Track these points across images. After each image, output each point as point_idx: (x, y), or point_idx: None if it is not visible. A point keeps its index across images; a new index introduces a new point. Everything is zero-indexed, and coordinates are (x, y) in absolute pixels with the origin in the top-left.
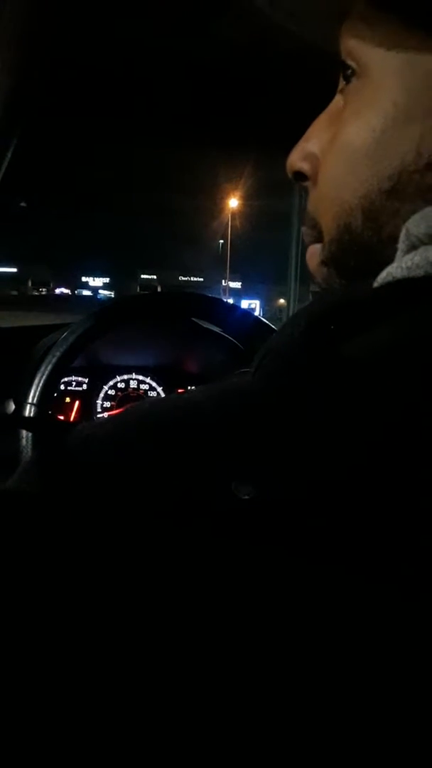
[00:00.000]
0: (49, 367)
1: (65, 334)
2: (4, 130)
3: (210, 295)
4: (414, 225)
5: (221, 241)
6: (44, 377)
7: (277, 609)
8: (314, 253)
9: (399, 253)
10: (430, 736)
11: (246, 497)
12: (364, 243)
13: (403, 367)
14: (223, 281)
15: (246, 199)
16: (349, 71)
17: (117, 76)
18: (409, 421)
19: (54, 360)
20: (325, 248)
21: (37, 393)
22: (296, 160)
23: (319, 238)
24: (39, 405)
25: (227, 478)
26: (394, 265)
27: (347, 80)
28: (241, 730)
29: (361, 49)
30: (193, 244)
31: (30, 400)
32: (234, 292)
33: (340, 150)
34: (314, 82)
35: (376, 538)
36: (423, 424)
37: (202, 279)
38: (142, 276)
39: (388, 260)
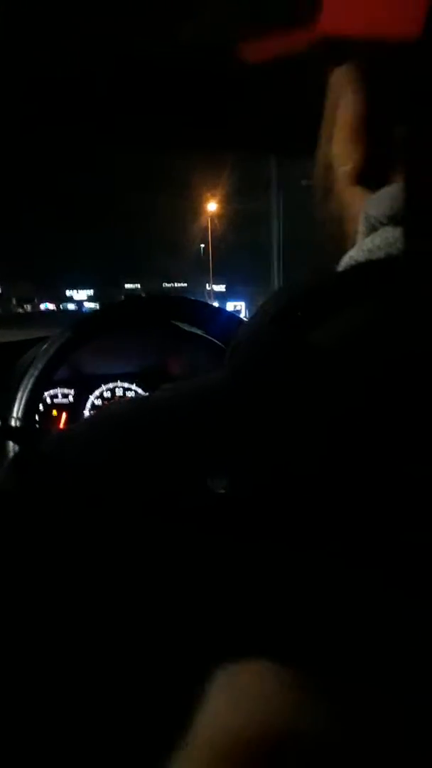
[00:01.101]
0: (32, 381)
1: (45, 346)
2: None
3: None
4: (372, 207)
5: (202, 245)
6: (27, 391)
7: (259, 597)
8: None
9: (359, 236)
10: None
11: (222, 491)
12: None
13: (368, 351)
14: (207, 285)
15: (224, 201)
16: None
17: (86, 83)
18: (375, 406)
19: (36, 373)
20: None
21: (21, 407)
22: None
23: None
24: (24, 419)
25: (201, 473)
26: (356, 248)
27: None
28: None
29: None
30: (174, 251)
31: (15, 415)
32: (219, 296)
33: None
34: (290, 83)
35: (353, 524)
36: (389, 408)
37: (186, 284)
38: (126, 286)
39: None
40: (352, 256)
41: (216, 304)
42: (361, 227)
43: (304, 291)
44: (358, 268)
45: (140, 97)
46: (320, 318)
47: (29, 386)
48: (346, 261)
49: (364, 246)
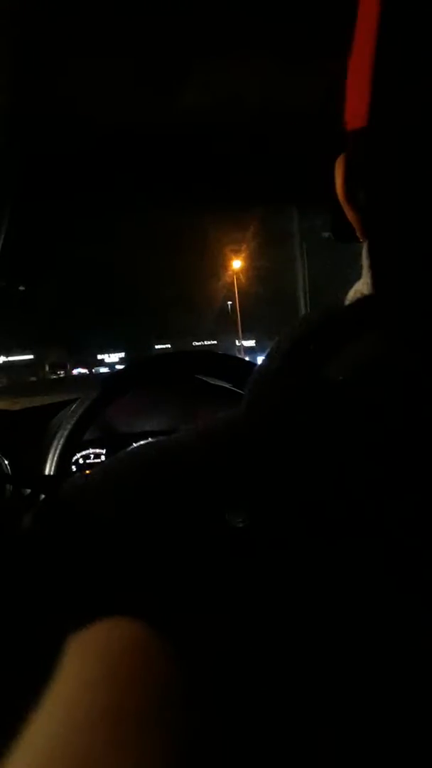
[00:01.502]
0: (62, 441)
1: (74, 407)
2: None
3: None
4: None
5: (229, 302)
6: (58, 451)
7: (282, 620)
8: None
9: (365, 270)
10: None
11: (240, 525)
12: None
13: (382, 384)
14: (237, 341)
15: (248, 257)
16: None
17: (99, 153)
18: (392, 438)
19: (66, 434)
20: None
21: (53, 468)
22: None
23: None
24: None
25: (219, 509)
26: (361, 281)
27: None
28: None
29: None
30: (202, 309)
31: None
32: (249, 351)
33: None
34: (299, 134)
35: (374, 552)
36: (405, 439)
37: (215, 342)
38: (157, 346)
39: None
40: (358, 289)
41: (247, 358)
42: (365, 261)
43: (316, 325)
44: (364, 301)
45: (150, 163)
46: (332, 351)
47: (59, 447)
48: (351, 295)
49: (369, 279)
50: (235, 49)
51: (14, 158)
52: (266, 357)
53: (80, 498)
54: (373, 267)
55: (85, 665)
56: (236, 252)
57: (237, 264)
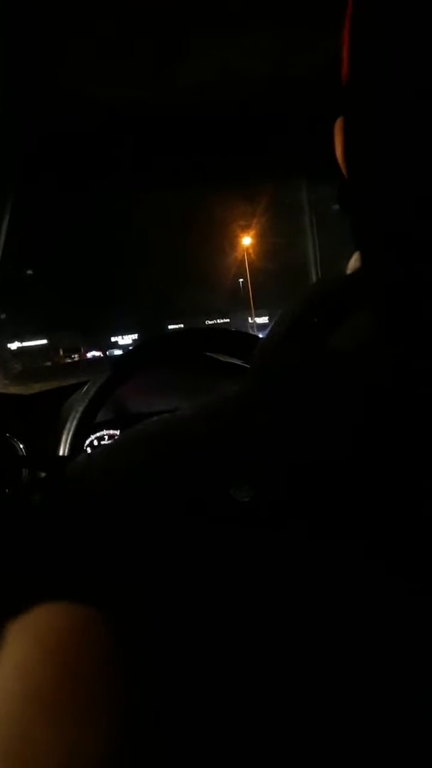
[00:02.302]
0: (75, 423)
1: (86, 388)
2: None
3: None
4: None
5: (240, 280)
6: (71, 433)
7: (280, 599)
8: None
9: None
10: None
11: (246, 499)
12: None
13: (382, 351)
14: (249, 318)
15: (258, 234)
16: None
17: (104, 132)
18: (398, 404)
19: (78, 415)
20: None
21: (67, 450)
22: None
23: None
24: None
25: (223, 484)
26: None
27: None
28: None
29: None
30: (213, 287)
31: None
32: (261, 327)
33: None
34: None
35: (379, 521)
36: (407, 405)
37: (228, 320)
38: (170, 326)
39: None
40: (357, 259)
41: (260, 335)
42: None
43: (317, 296)
44: (358, 273)
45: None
46: (335, 322)
47: (72, 429)
48: (352, 264)
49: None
50: (238, 19)
51: (17, 140)
52: (269, 331)
53: (83, 475)
54: (356, 238)
55: (23, 649)
56: (245, 228)
57: (247, 240)
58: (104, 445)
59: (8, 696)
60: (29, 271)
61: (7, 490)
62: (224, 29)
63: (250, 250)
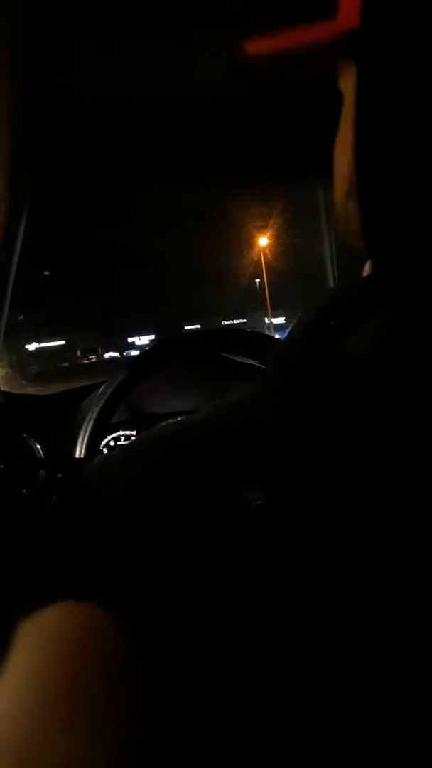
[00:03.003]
0: (91, 423)
1: (102, 389)
2: (17, 197)
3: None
4: None
5: (257, 280)
6: (87, 434)
7: (289, 600)
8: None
9: None
10: None
11: (258, 503)
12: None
13: (401, 354)
14: (266, 319)
15: (274, 234)
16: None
17: (118, 132)
18: (414, 408)
19: (94, 416)
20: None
21: (83, 451)
22: None
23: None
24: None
25: (234, 487)
26: None
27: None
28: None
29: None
30: (230, 288)
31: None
32: (278, 327)
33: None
34: (314, 106)
35: (392, 524)
36: (428, 410)
37: (245, 320)
38: (186, 327)
39: None
40: None
41: (276, 336)
42: None
43: (334, 299)
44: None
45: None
46: (352, 325)
47: (89, 429)
48: (368, 267)
49: None
50: (251, 18)
51: (34, 142)
52: (287, 335)
53: (98, 477)
54: (366, 241)
55: (37, 645)
56: (262, 229)
57: (263, 241)
58: (119, 447)
59: (22, 690)
60: (46, 273)
61: (24, 491)
62: (240, 26)
63: (267, 251)
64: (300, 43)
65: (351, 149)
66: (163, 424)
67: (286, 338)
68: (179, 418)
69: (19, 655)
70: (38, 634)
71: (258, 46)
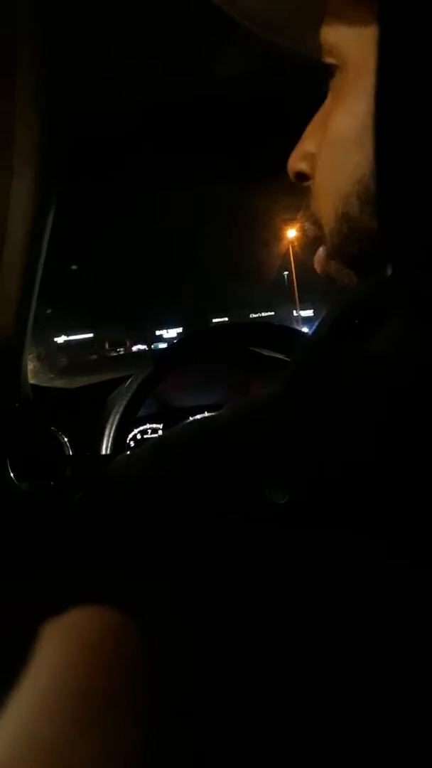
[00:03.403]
0: (117, 417)
1: (128, 382)
2: (45, 191)
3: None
4: None
5: (285, 273)
6: (113, 427)
7: (312, 603)
8: (319, 255)
9: None
10: None
11: (282, 501)
12: (364, 229)
13: (424, 354)
14: (294, 312)
15: (303, 226)
16: (332, 67)
17: (147, 126)
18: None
19: (121, 409)
20: (327, 242)
21: (110, 444)
22: (295, 161)
23: (321, 235)
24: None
25: (258, 486)
26: None
27: (332, 76)
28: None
29: (339, 44)
30: (258, 281)
31: (104, 452)
32: (306, 320)
33: (330, 140)
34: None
35: (419, 526)
36: None
37: (273, 313)
38: (214, 320)
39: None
40: None
41: (305, 329)
42: None
43: (358, 298)
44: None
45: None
46: (376, 324)
47: (115, 422)
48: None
49: None
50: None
51: (60, 138)
52: (312, 332)
53: (122, 476)
54: (386, 243)
55: (59, 647)
56: (290, 221)
57: (292, 233)
58: (142, 446)
59: (44, 693)
60: (74, 267)
61: (52, 483)
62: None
63: (295, 243)
64: None
65: (355, 160)
66: (187, 422)
67: (311, 336)
68: (202, 416)
69: (39, 658)
70: (58, 637)
71: None
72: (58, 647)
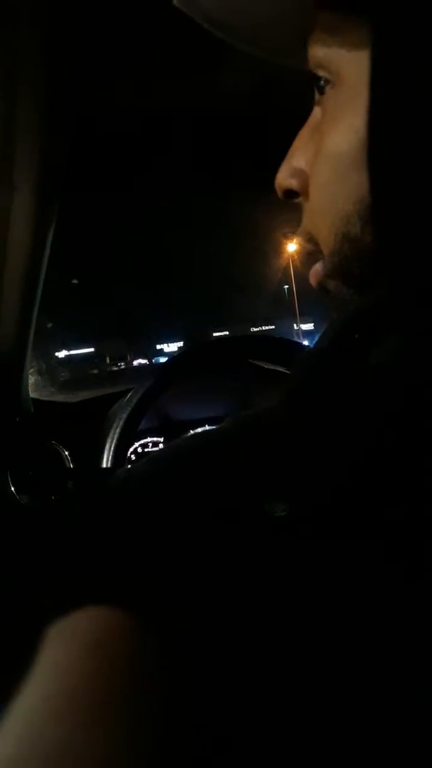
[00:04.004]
0: (118, 430)
1: (128, 396)
2: (47, 203)
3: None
4: None
5: (285, 287)
6: (114, 441)
7: (312, 613)
8: (315, 270)
9: None
10: None
11: (282, 514)
12: (366, 249)
13: (426, 371)
14: (295, 325)
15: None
16: (322, 81)
17: (148, 140)
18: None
19: (122, 423)
20: (326, 261)
21: (111, 457)
22: (284, 178)
23: (317, 253)
24: (114, 467)
25: (257, 499)
26: None
27: (321, 91)
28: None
29: (332, 58)
30: (259, 295)
31: (105, 466)
32: (307, 334)
33: (328, 159)
34: None
35: (419, 539)
36: None
37: (273, 326)
38: (215, 334)
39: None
40: None
41: (306, 342)
42: None
43: (359, 312)
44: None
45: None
46: (377, 339)
47: (116, 436)
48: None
49: None
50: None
51: (62, 150)
52: (313, 346)
53: (123, 488)
54: (382, 263)
55: (62, 651)
56: (290, 235)
57: (292, 247)
58: (143, 459)
59: (47, 696)
60: (75, 281)
61: (53, 496)
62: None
63: (295, 257)
64: None
65: (355, 179)
66: (188, 435)
67: (312, 350)
68: (203, 429)
69: (45, 659)
70: (63, 641)
71: None
72: (63, 649)
